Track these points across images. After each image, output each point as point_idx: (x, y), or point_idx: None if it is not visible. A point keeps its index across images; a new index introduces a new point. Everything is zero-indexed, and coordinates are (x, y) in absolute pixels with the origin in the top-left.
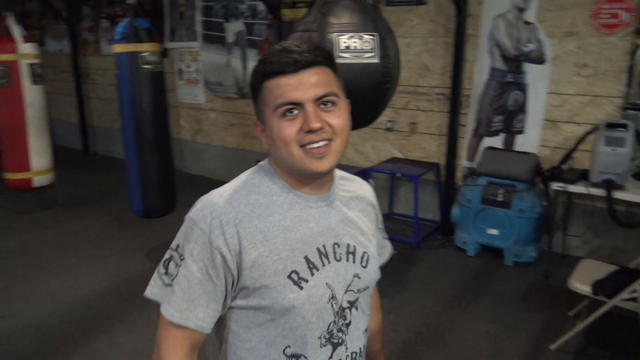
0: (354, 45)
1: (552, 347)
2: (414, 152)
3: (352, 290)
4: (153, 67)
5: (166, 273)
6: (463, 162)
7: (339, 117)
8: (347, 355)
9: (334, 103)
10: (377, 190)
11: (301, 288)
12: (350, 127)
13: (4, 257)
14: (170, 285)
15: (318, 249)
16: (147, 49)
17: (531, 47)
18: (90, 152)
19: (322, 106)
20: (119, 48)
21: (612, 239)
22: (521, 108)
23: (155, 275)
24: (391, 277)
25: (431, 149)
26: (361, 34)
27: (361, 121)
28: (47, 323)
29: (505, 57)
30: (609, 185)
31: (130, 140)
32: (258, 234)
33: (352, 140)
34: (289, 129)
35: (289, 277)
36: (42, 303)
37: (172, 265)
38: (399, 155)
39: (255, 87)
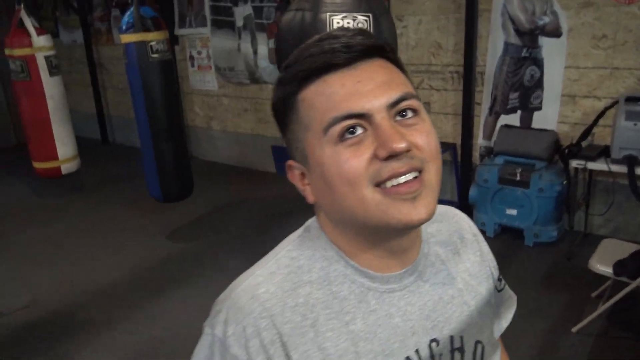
0: (347, 25)
1: (574, 329)
2: None
3: None
4: (162, 56)
5: None
6: (480, 142)
7: (428, 133)
8: None
9: (415, 112)
10: None
11: None
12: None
13: (30, 244)
14: None
15: (409, 358)
16: (154, 37)
17: (546, 19)
18: (109, 141)
19: (400, 117)
20: (126, 38)
21: (636, 216)
22: (538, 83)
23: None
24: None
25: (447, 129)
26: (355, 14)
27: None
28: (68, 311)
29: (519, 32)
30: (631, 161)
31: (145, 129)
32: (317, 353)
33: None
34: (355, 159)
35: None
36: (64, 291)
37: None
38: None
39: (283, 106)
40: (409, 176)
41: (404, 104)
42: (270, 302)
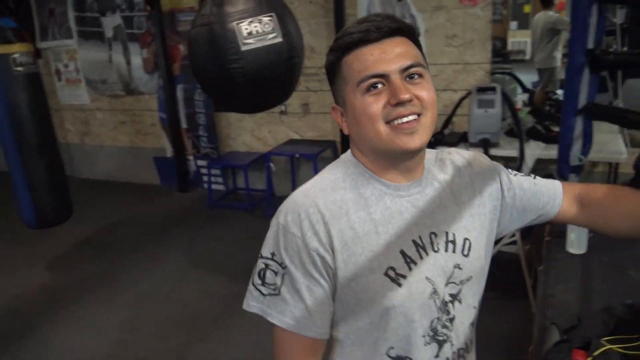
0: (255, 29)
1: None
2: (309, 132)
3: (453, 282)
4: (27, 69)
5: (264, 284)
6: None
7: (428, 90)
8: (454, 352)
9: (421, 75)
10: (279, 172)
11: (400, 285)
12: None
13: None
14: (275, 294)
15: (414, 240)
16: (17, 49)
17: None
18: None
19: (409, 79)
20: None
21: None
22: None
23: (250, 287)
24: None
25: (326, 128)
26: (259, 17)
27: (278, 99)
28: None
29: None
30: (485, 143)
31: (11, 148)
32: (349, 231)
33: (249, 126)
34: (375, 104)
35: (386, 274)
36: None
37: (270, 274)
38: (296, 137)
39: (332, 67)
40: (410, 117)
41: (412, 70)
42: (317, 197)
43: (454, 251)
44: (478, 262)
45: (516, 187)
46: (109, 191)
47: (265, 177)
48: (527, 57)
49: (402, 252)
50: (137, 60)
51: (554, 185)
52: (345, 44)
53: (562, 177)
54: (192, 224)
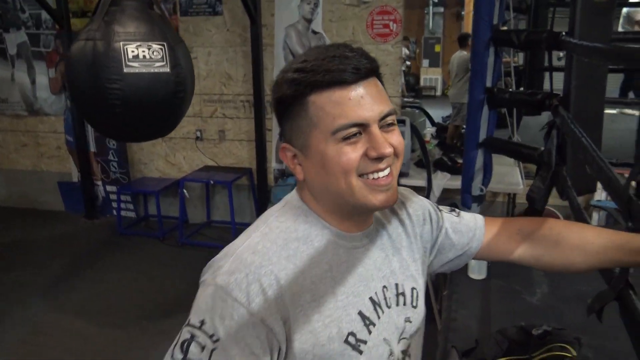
0: (142, 54)
1: None
2: (225, 159)
3: (405, 338)
4: None
5: (185, 358)
6: (273, 165)
7: (399, 136)
8: None
9: (393, 122)
10: (193, 199)
11: (361, 352)
12: None
13: None
14: None
15: (371, 298)
16: None
17: None
18: None
19: (385, 127)
20: None
21: None
22: None
23: None
24: None
25: (242, 155)
26: (149, 43)
27: (157, 131)
28: None
29: None
30: None
31: None
32: (305, 294)
33: (162, 151)
34: (352, 154)
35: (346, 341)
36: None
37: (195, 348)
38: (212, 163)
39: (288, 101)
40: (386, 171)
41: (389, 118)
42: (269, 254)
43: (404, 304)
44: (422, 312)
45: (446, 225)
46: (8, 217)
47: (178, 204)
48: (438, 93)
49: (361, 314)
50: (43, 79)
51: (477, 222)
52: (313, 81)
53: (466, 207)
54: (99, 252)
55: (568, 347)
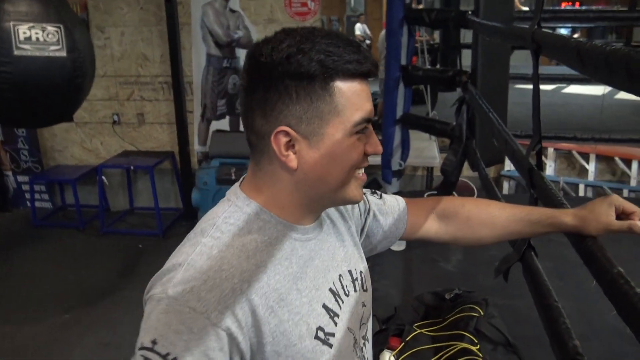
0: (36, 36)
1: None
2: (146, 143)
3: (364, 323)
4: None
5: None
6: (196, 147)
7: None
8: None
9: None
10: (113, 186)
11: (331, 346)
12: None
13: None
14: None
15: (331, 289)
16: None
17: (240, 33)
18: None
19: None
20: None
21: None
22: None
23: None
24: (139, 272)
25: (163, 138)
26: (43, 25)
27: (54, 117)
28: None
29: (218, 44)
30: None
31: None
32: (272, 293)
33: (77, 137)
34: (359, 150)
35: (316, 337)
36: None
37: None
38: (131, 148)
39: (310, 82)
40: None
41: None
42: (227, 257)
43: (358, 289)
44: (371, 293)
45: (373, 207)
46: None
47: (97, 191)
48: None
49: (325, 307)
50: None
51: (399, 205)
52: (344, 67)
53: (386, 182)
54: (13, 246)
55: (476, 307)
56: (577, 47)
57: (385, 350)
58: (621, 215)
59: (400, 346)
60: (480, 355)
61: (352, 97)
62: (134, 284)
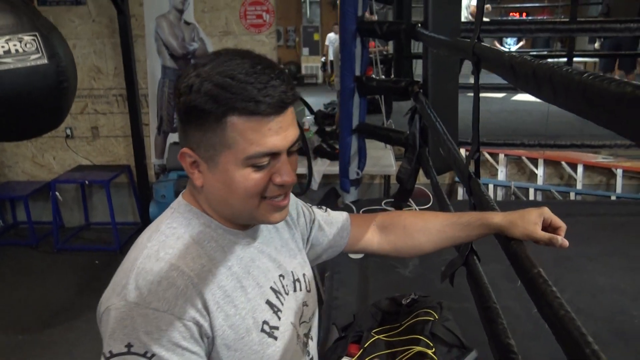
0: (14, 48)
1: None
2: (101, 157)
3: (305, 322)
4: None
5: None
6: (153, 161)
7: (296, 162)
8: None
9: (297, 148)
10: (67, 202)
11: (276, 339)
12: None
13: None
14: None
15: (272, 288)
16: None
17: (195, 45)
18: None
19: (290, 153)
20: None
21: None
22: None
23: None
24: (95, 289)
25: (119, 152)
26: (19, 35)
27: (45, 126)
28: None
29: (174, 56)
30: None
31: None
32: (217, 290)
33: (28, 152)
34: (259, 180)
35: (262, 330)
36: None
37: None
38: (86, 162)
39: (200, 114)
40: (285, 194)
41: (295, 145)
42: (174, 258)
43: (300, 289)
44: (315, 295)
45: (318, 218)
46: None
47: (51, 207)
48: (319, 80)
49: (269, 302)
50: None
51: (343, 217)
52: (237, 106)
53: (345, 190)
54: None
55: (431, 311)
56: (510, 61)
57: (345, 357)
58: (548, 227)
59: (359, 353)
60: (436, 358)
61: (247, 133)
62: (91, 302)
